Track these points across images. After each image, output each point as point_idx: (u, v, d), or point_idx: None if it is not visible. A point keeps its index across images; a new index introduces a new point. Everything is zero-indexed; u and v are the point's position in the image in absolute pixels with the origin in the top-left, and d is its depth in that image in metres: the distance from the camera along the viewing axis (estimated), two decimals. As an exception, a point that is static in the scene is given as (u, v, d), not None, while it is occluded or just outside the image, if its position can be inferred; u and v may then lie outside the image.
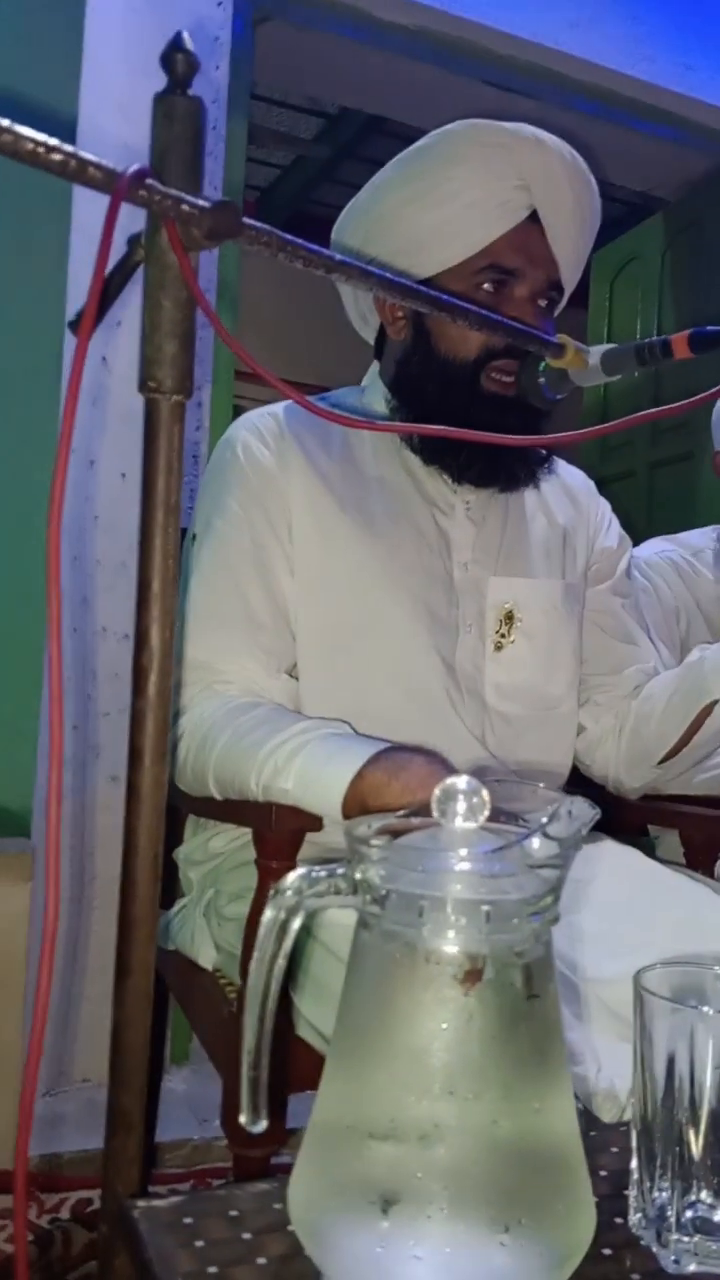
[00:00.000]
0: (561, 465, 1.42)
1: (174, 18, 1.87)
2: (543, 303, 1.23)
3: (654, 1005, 0.58)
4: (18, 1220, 0.65)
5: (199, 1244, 0.56)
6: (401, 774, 0.97)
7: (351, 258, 0.79)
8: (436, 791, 0.54)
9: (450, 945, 0.50)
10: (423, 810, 0.55)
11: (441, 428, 1.00)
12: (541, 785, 0.62)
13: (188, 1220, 0.58)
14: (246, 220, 0.67)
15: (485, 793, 0.54)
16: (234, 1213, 0.59)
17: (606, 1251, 0.57)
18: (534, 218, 1.21)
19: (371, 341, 1.38)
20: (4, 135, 0.57)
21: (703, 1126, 0.56)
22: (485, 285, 1.20)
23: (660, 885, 1.07)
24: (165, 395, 0.69)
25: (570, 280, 1.26)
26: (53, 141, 0.59)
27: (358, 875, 0.52)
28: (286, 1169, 0.57)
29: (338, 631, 1.21)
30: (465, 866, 0.51)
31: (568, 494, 1.41)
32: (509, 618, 1.27)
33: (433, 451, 1.26)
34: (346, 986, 0.54)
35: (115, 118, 1.84)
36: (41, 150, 0.59)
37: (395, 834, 0.55)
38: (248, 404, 1.53)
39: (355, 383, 1.40)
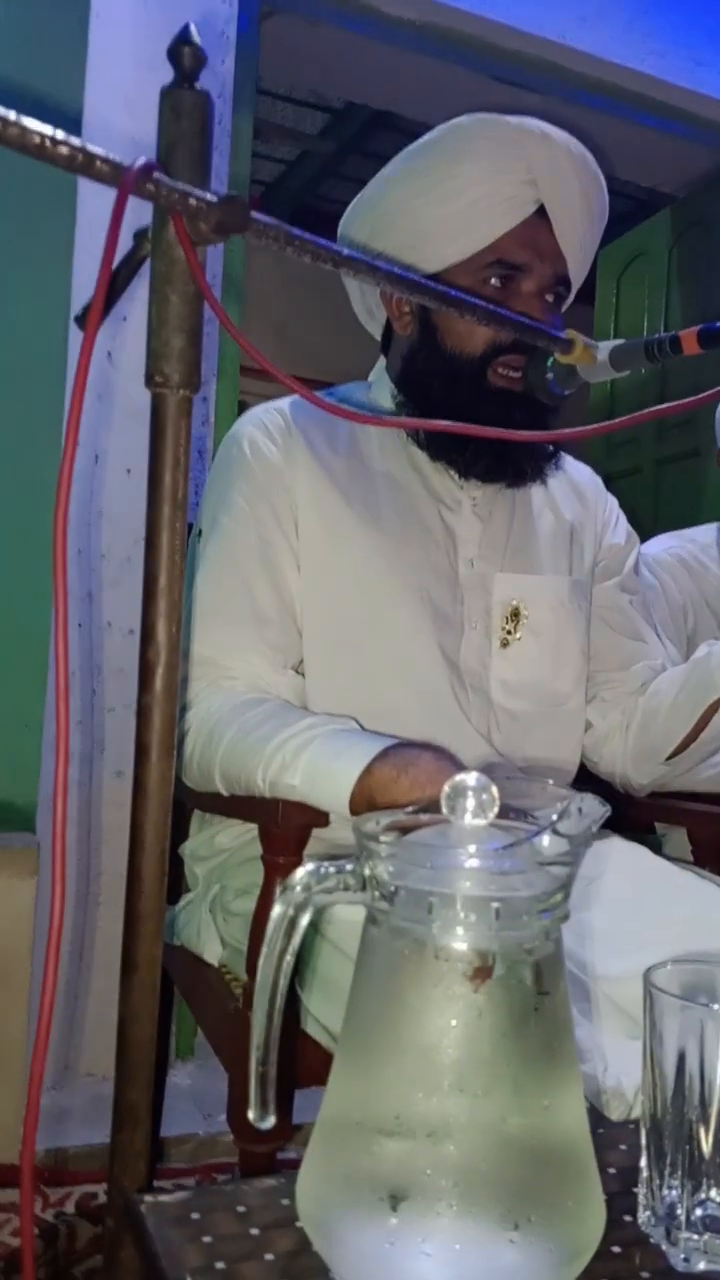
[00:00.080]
0: (569, 461, 1.42)
1: (180, 11, 1.86)
2: (550, 298, 1.23)
3: (664, 1003, 0.58)
4: (24, 1214, 0.65)
5: (206, 1239, 0.56)
6: (410, 769, 0.97)
7: (358, 253, 0.79)
8: (446, 788, 0.54)
9: (460, 942, 0.50)
10: (431, 806, 0.55)
11: (448, 423, 1.00)
12: (550, 782, 0.61)
13: (195, 1215, 0.58)
14: (254, 214, 0.67)
15: (495, 789, 0.54)
16: (241, 1208, 0.59)
17: (616, 1249, 0.57)
18: (541, 212, 1.20)
19: (378, 337, 1.37)
20: (11, 128, 0.57)
21: (713, 1124, 0.56)
22: (492, 280, 1.20)
23: (668, 883, 1.07)
24: (172, 390, 0.68)
25: (577, 275, 1.26)
26: (60, 135, 0.59)
27: (366, 871, 0.52)
28: (292, 1164, 0.57)
29: (343, 628, 1.21)
30: (475, 863, 0.51)
31: (575, 490, 1.40)
32: (515, 614, 1.27)
33: (439, 447, 1.25)
34: (355, 983, 0.54)
35: (121, 111, 1.84)
36: (49, 143, 0.59)
37: (404, 830, 0.55)
38: (253, 399, 1.53)
39: (361, 378, 1.39)
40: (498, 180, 1.18)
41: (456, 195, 1.19)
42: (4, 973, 1.59)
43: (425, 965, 0.50)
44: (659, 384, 3.02)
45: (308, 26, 2.28)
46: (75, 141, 0.60)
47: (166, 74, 0.69)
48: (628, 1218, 0.60)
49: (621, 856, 1.10)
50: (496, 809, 0.54)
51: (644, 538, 1.69)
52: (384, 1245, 0.49)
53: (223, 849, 1.29)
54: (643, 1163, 0.59)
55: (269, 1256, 0.55)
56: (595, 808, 0.52)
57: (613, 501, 1.44)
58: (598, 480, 1.45)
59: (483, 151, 1.19)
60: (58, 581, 0.61)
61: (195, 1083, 1.93)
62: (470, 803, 0.53)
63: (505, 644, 1.26)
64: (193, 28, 0.68)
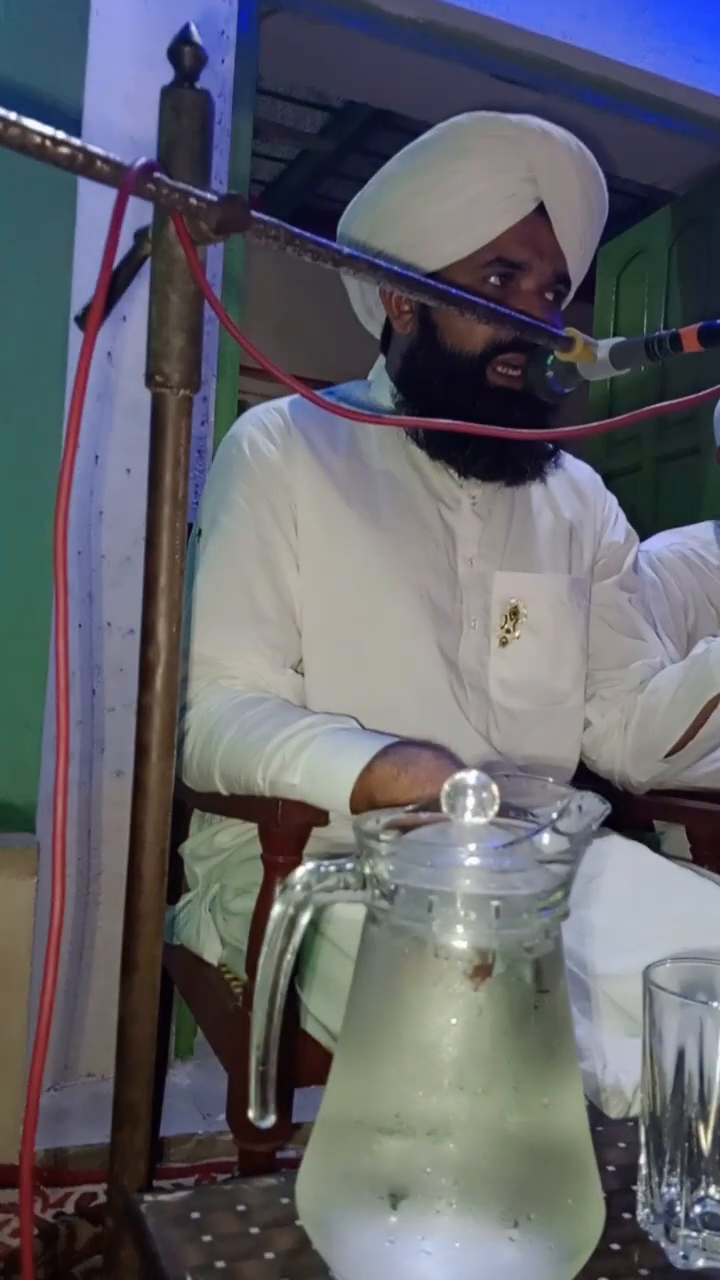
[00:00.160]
0: (568, 459, 1.42)
1: (180, 10, 1.86)
2: (550, 296, 1.23)
3: (663, 1000, 0.58)
4: (24, 1214, 0.65)
5: (206, 1238, 0.56)
6: (410, 768, 0.97)
7: (358, 252, 0.79)
8: (446, 787, 0.54)
9: (460, 940, 0.50)
10: (431, 805, 0.55)
11: (448, 421, 1.00)
12: (550, 780, 0.61)
13: (195, 1215, 0.58)
14: (255, 214, 0.67)
15: (495, 788, 0.54)
16: (241, 1207, 0.59)
17: (615, 1247, 0.57)
18: (541, 210, 1.20)
19: (378, 335, 1.37)
20: (11, 129, 0.57)
21: (712, 1122, 0.56)
22: (492, 279, 1.20)
23: (667, 881, 1.07)
24: (172, 389, 0.68)
25: (577, 273, 1.26)
26: (60, 135, 0.59)
27: (367, 870, 0.52)
28: (292, 1163, 0.57)
29: (343, 627, 1.21)
30: (475, 861, 0.51)
31: (574, 488, 1.40)
32: (514, 613, 1.27)
33: (439, 445, 1.25)
34: (355, 981, 0.54)
35: (121, 111, 1.84)
36: (49, 143, 0.59)
37: (404, 829, 0.55)
38: (253, 399, 1.53)
39: (361, 377, 1.39)
40: (497, 178, 1.18)
41: (456, 193, 1.19)
42: (4, 972, 1.59)
43: (425, 963, 0.50)
44: (659, 382, 3.02)
45: (307, 25, 2.28)
46: (75, 142, 0.60)
47: (166, 73, 0.69)
48: (627, 1215, 0.60)
49: (621, 854, 1.10)
50: (496, 807, 0.54)
51: (644, 535, 1.69)
52: (384, 1243, 0.49)
53: (222, 848, 1.29)
54: (642, 1160, 0.59)
55: (269, 1255, 0.55)
56: (595, 805, 0.52)
57: (612, 499, 1.45)
58: (597, 478, 1.45)
59: (482, 149, 1.19)
60: (58, 581, 0.61)
61: (195, 1082, 1.93)
62: (470, 801, 0.54)
63: (504, 642, 1.26)
64: (193, 27, 0.68)
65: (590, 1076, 0.79)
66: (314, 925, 1.03)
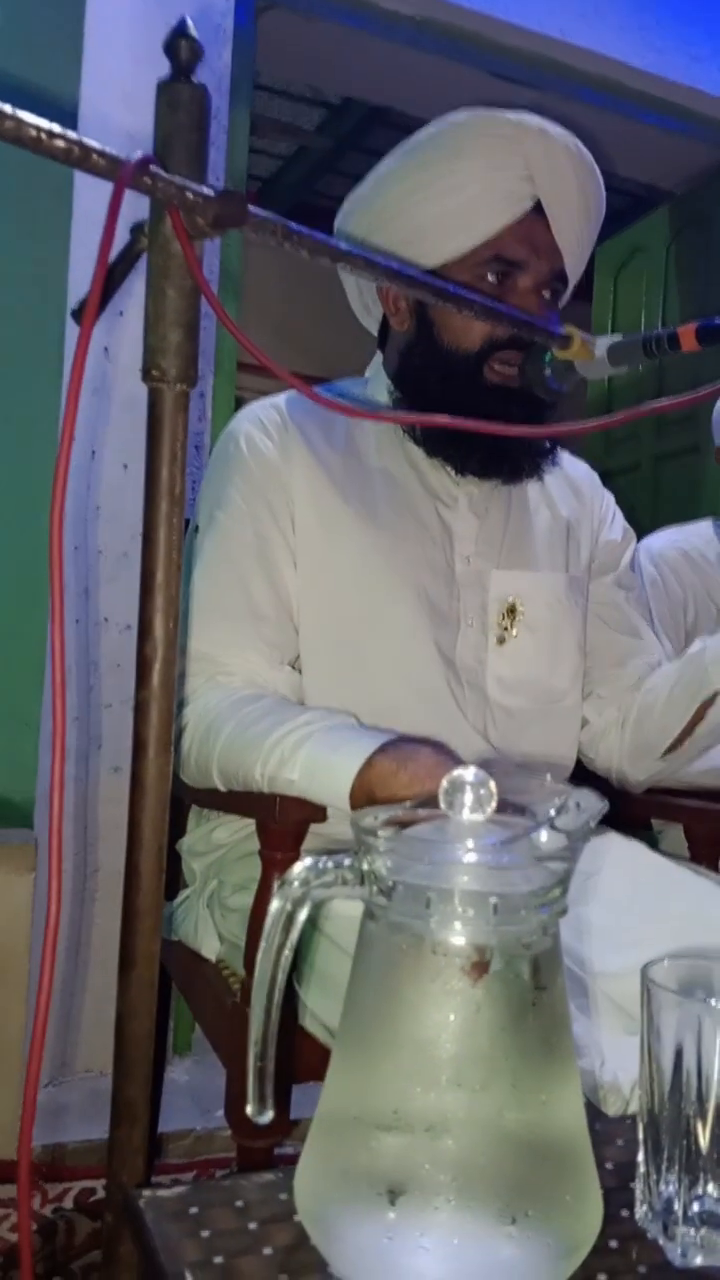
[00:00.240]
0: (565, 458, 1.42)
1: (177, 5, 1.85)
2: (547, 294, 1.23)
3: (661, 998, 0.58)
4: (22, 1210, 0.65)
5: (205, 1234, 0.56)
6: (410, 764, 0.97)
7: (354, 248, 0.79)
8: (444, 783, 0.54)
9: (458, 937, 0.50)
10: (430, 801, 0.55)
11: (445, 418, 1.00)
12: (549, 777, 0.61)
13: (193, 1210, 0.58)
14: (252, 209, 0.67)
15: (493, 784, 0.54)
16: (240, 1203, 0.59)
17: (613, 1244, 0.57)
18: (538, 208, 1.20)
19: (375, 332, 1.37)
20: (7, 122, 0.57)
21: (710, 1119, 0.56)
22: (489, 276, 1.20)
23: (664, 879, 1.07)
24: (169, 384, 0.68)
25: (575, 271, 1.26)
26: (56, 128, 0.59)
27: (365, 866, 0.52)
28: (290, 1160, 0.57)
29: (340, 624, 1.21)
30: (473, 858, 0.51)
31: (571, 486, 1.40)
32: (511, 611, 1.27)
33: (436, 443, 1.25)
34: (353, 978, 0.54)
35: (117, 105, 1.83)
36: (45, 137, 0.59)
37: (402, 825, 0.55)
38: (250, 395, 1.53)
39: (359, 374, 1.39)
40: (495, 176, 1.18)
41: (454, 191, 1.18)
42: (2, 969, 1.59)
43: (423, 960, 0.50)
44: (657, 380, 3.02)
45: (305, 21, 2.27)
46: (72, 135, 0.60)
47: (163, 67, 0.69)
48: (625, 1213, 0.60)
49: (619, 852, 1.10)
50: (494, 804, 0.54)
51: (642, 534, 1.69)
52: (382, 1239, 0.49)
53: (220, 844, 1.29)
54: (640, 1158, 0.59)
55: (267, 1251, 0.55)
56: (593, 803, 0.52)
57: (609, 497, 1.44)
58: (594, 476, 1.45)
59: (480, 147, 1.18)
60: (54, 577, 0.61)
61: (193, 1078, 1.93)
62: (468, 798, 0.53)
63: (501, 640, 1.26)
64: (189, 21, 0.68)
65: (588, 1074, 0.79)
66: (312, 922, 1.03)
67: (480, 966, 0.50)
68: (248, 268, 2.18)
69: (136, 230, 0.69)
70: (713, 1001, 0.57)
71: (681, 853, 1.44)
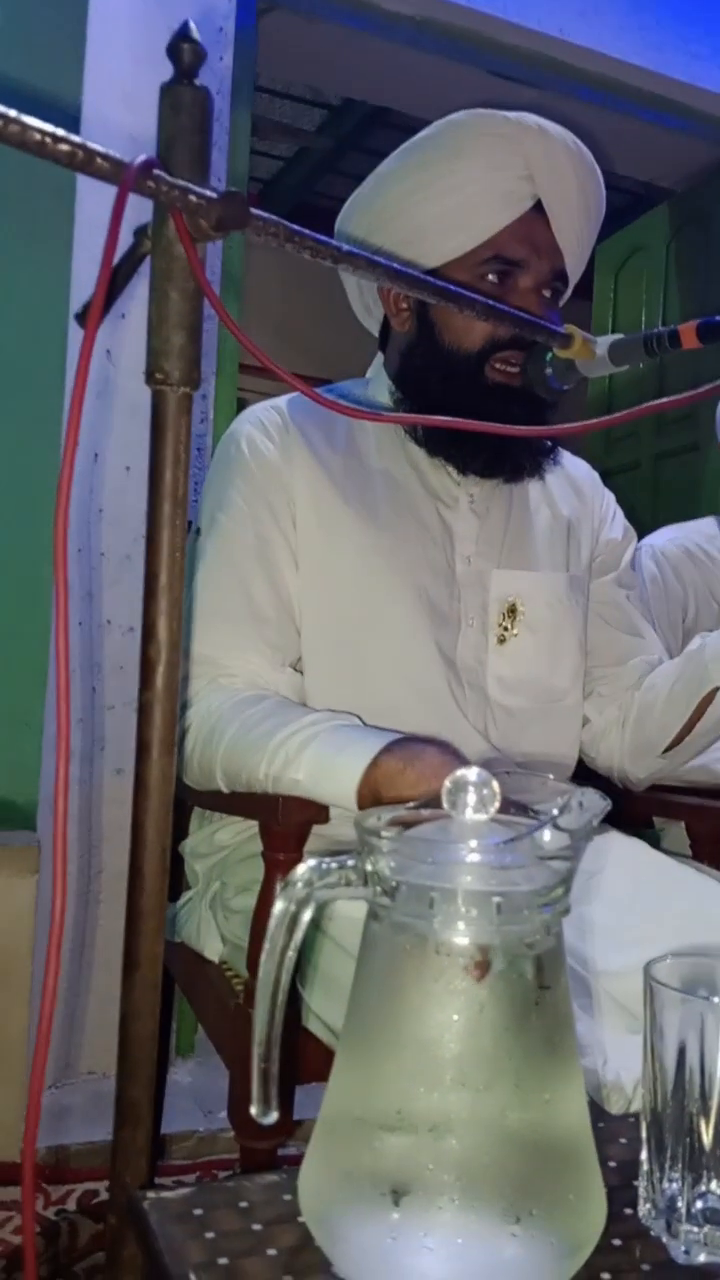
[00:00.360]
0: (566, 457, 1.42)
1: (179, 7, 1.86)
2: (547, 293, 1.23)
3: (664, 996, 0.58)
4: (26, 1212, 0.65)
5: (209, 1235, 0.56)
6: (416, 762, 0.97)
7: (356, 249, 0.79)
8: (447, 783, 0.54)
9: (461, 937, 0.50)
10: (434, 801, 0.55)
11: (446, 418, 1.00)
12: (551, 777, 0.62)
13: (198, 1211, 0.58)
14: (254, 211, 0.67)
15: (495, 784, 0.54)
16: (244, 1204, 0.59)
17: (616, 1242, 0.57)
18: (538, 208, 1.20)
19: (376, 333, 1.37)
20: (11, 126, 0.57)
21: (713, 1117, 0.56)
22: (490, 276, 1.20)
23: (666, 878, 1.07)
24: (173, 387, 0.68)
25: (575, 270, 1.26)
26: (60, 132, 0.59)
27: (368, 867, 0.52)
28: (293, 1161, 0.57)
29: (341, 625, 1.21)
30: (476, 858, 0.51)
31: (572, 485, 1.40)
32: (512, 611, 1.27)
33: (438, 443, 1.25)
34: (357, 978, 0.54)
35: (119, 108, 1.83)
36: (49, 141, 0.59)
37: (405, 825, 0.55)
38: (251, 397, 1.53)
39: (359, 375, 1.39)
40: (495, 176, 1.18)
41: (454, 191, 1.19)
42: (5, 971, 1.59)
43: (427, 960, 0.50)
44: (657, 379, 3.02)
45: (305, 22, 2.27)
46: (75, 139, 0.60)
47: (165, 70, 0.69)
48: (628, 1211, 0.60)
49: (621, 851, 1.10)
50: (497, 804, 0.54)
51: (643, 533, 1.69)
52: (386, 1240, 0.49)
53: (222, 846, 1.29)
54: (643, 1156, 0.59)
55: (271, 1252, 0.55)
56: (596, 802, 0.52)
57: (610, 496, 1.44)
58: (595, 475, 1.45)
59: (480, 147, 1.19)
60: (59, 580, 0.61)
61: (196, 1080, 1.93)
62: (471, 798, 0.54)
63: (502, 640, 1.26)
64: (192, 24, 0.68)
65: (591, 1073, 0.79)
66: (315, 923, 1.03)
67: (480, 965, 0.50)
68: (248, 269, 2.18)
69: (140, 233, 0.69)
70: (715, 999, 0.57)
71: (683, 851, 1.44)
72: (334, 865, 0.53)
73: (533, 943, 0.51)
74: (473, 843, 0.52)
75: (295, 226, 0.71)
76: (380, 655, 1.21)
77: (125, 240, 0.67)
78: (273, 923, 0.54)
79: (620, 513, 1.45)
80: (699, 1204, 0.57)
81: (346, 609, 1.21)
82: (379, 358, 1.36)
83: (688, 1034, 0.57)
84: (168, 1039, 1.87)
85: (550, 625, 1.29)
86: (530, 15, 2.33)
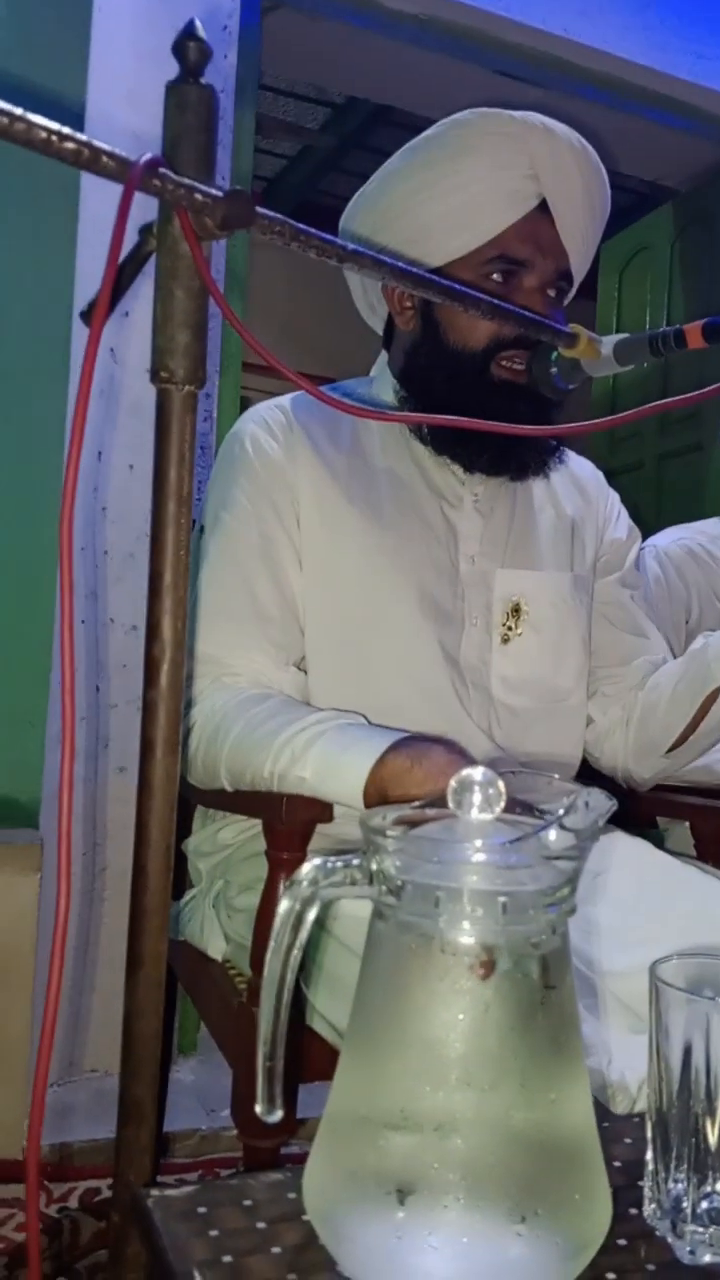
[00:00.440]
0: (570, 456, 1.41)
1: (183, 6, 1.86)
2: (552, 293, 1.23)
3: (670, 996, 0.58)
4: (30, 1209, 0.65)
5: (213, 1233, 0.56)
6: (424, 761, 0.97)
7: (361, 247, 0.79)
8: (452, 783, 0.54)
9: (466, 936, 0.50)
10: (439, 801, 0.55)
11: (452, 418, 1.00)
12: (556, 777, 0.61)
13: (201, 1209, 0.58)
14: (260, 209, 0.67)
15: (501, 784, 0.54)
16: (248, 1202, 0.59)
17: (621, 1242, 0.57)
18: (543, 207, 1.20)
19: (380, 331, 1.37)
20: (16, 124, 0.57)
21: (718, 1117, 0.56)
22: (494, 275, 1.20)
23: (671, 878, 1.07)
24: (178, 385, 0.68)
25: (580, 270, 1.26)
26: (65, 130, 0.59)
27: (373, 866, 0.52)
28: (296, 1159, 0.57)
29: (345, 625, 1.21)
30: (481, 858, 0.51)
31: (576, 485, 1.40)
32: (516, 610, 1.27)
33: (443, 441, 1.25)
34: (362, 977, 0.54)
35: (123, 106, 1.83)
36: (54, 139, 0.59)
37: (410, 825, 0.55)
38: (256, 396, 1.53)
39: (364, 374, 1.39)
40: (500, 175, 1.18)
41: (459, 190, 1.18)
42: (8, 969, 1.59)
43: (432, 959, 0.50)
44: (661, 378, 3.02)
45: (309, 21, 2.27)
46: (81, 137, 0.60)
47: (169, 68, 0.69)
48: (633, 1211, 0.60)
49: (625, 851, 1.10)
50: (503, 803, 0.54)
51: (646, 533, 1.69)
52: (391, 1238, 0.49)
53: (226, 845, 1.29)
54: (648, 1156, 0.59)
55: (276, 1250, 0.55)
56: (602, 802, 0.52)
57: (614, 496, 1.44)
58: (599, 475, 1.45)
59: (485, 146, 1.19)
60: (63, 578, 0.61)
61: (198, 1078, 1.93)
62: (477, 797, 0.54)
63: (506, 640, 1.26)
64: (198, 23, 0.68)
65: (596, 1073, 0.79)
66: (319, 922, 1.03)
67: (485, 965, 0.50)
68: (253, 268, 2.18)
69: (145, 231, 0.69)
70: (721, 1000, 0.57)
71: (688, 851, 1.44)
72: (339, 864, 0.53)
73: (538, 942, 0.51)
74: (478, 842, 0.52)
75: (300, 225, 0.71)
76: (384, 654, 1.21)
77: (130, 239, 0.67)
78: (278, 921, 0.54)
79: (624, 512, 1.44)
80: (704, 1204, 0.57)
81: (350, 608, 1.21)
82: (383, 356, 1.36)
83: (693, 1034, 0.57)
84: (171, 1037, 1.87)
85: (554, 625, 1.29)
86: (534, 14, 2.32)
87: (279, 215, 0.70)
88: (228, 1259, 0.54)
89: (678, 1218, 0.57)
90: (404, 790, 0.95)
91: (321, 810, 1.04)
